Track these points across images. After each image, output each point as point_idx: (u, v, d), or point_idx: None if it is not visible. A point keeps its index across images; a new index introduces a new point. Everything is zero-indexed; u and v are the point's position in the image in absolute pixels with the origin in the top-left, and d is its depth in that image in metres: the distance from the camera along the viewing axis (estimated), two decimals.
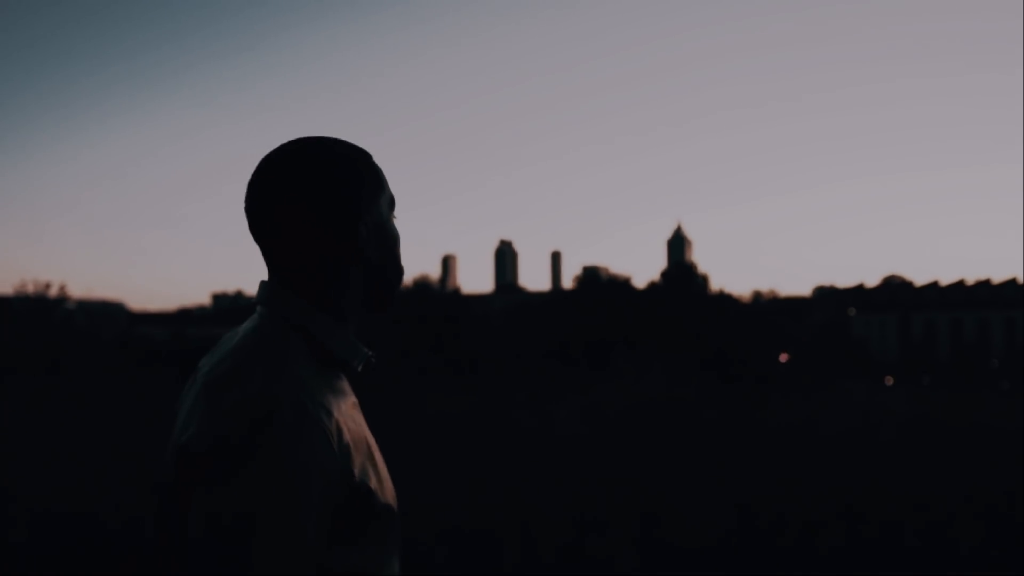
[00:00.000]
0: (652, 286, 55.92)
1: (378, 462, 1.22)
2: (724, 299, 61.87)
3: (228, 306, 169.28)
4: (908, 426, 8.76)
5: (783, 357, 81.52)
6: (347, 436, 1.14)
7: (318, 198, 1.23)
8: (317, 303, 1.25)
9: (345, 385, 1.26)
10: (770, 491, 5.45)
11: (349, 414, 1.20)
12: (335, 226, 1.24)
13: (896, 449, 7.38)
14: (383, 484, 1.20)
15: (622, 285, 54.61)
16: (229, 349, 1.21)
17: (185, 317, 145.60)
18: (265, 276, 1.31)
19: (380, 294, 1.33)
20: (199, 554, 1.02)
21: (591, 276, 62.06)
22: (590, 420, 9.13)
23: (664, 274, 57.35)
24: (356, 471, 1.13)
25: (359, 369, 1.28)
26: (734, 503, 5.03)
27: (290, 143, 1.29)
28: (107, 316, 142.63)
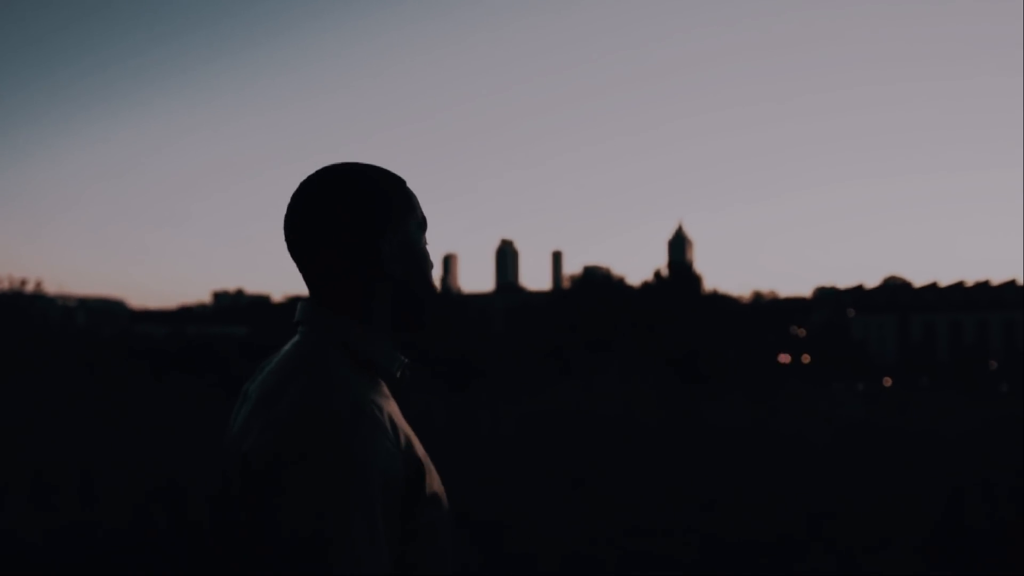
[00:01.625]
0: (644, 286, 55.83)
1: (426, 459, 1.27)
2: (716, 299, 61.71)
3: (229, 304, 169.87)
4: (849, 431, 8.66)
5: (783, 358, 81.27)
6: (400, 433, 1.20)
7: (343, 217, 1.30)
8: (352, 317, 1.32)
9: (386, 391, 1.31)
10: (651, 499, 5.40)
11: (395, 415, 1.26)
12: (359, 243, 1.30)
13: (818, 455, 7.30)
14: (434, 479, 1.26)
15: (614, 285, 54.52)
16: (275, 365, 1.28)
17: (186, 315, 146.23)
18: (284, 292, 1.35)
19: (410, 312, 1.37)
20: (278, 558, 1.06)
21: (584, 276, 61.97)
22: (525, 422, 9.10)
23: (657, 274, 57.26)
24: (411, 466, 1.19)
25: (397, 375, 1.33)
26: (586, 511, 5.00)
27: (322, 169, 1.37)
28: (108, 314, 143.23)
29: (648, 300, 46.08)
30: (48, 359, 18.82)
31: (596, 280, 58.48)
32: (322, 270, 1.33)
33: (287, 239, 1.35)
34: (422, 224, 1.42)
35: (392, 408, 1.27)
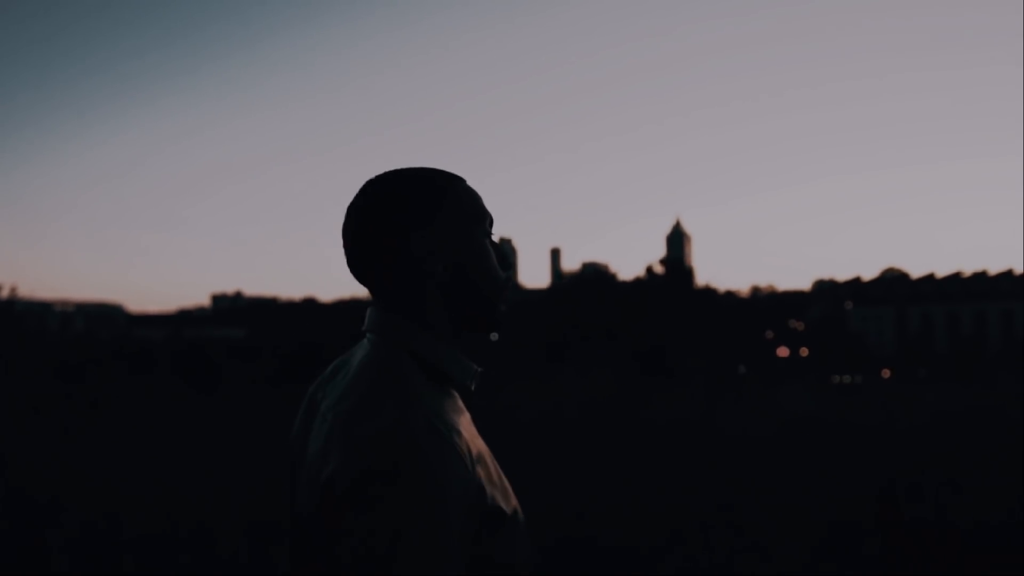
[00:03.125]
0: (636, 282, 55.65)
1: (500, 474, 1.27)
2: (707, 294, 61.56)
3: (227, 307, 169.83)
4: (793, 425, 8.46)
5: (781, 351, 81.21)
6: (475, 452, 1.19)
7: (378, 221, 1.29)
8: (417, 323, 1.30)
9: (459, 401, 1.30)
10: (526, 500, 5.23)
11: (470, 431, 1.25)
12: (391, 244, 1.29)
13: (751, 449, 7.11)
14: (508, 493, 1.25)
15: (607, 282, 54.38)
16: (350, 382, 1.25)
17: (184, 318, 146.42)
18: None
19: (468, 310, 1.33)
20: None
21: (576, 274, 61.77)
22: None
23: (649, 269, 57.02)
24: (486, 485, 1.18)
25: (472, 387, 1.32)
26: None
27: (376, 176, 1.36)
28: (105, 318, 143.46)
29: (637, 296, 45.90)
30: (14, 363, 18.79)
31: (586, 277, 58.36)
32: (372, 277, 1.32)
33: (346, 257, 1.35)
34: (478, 219, 1.36)
35: (466, 423, 1.26)
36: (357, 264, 1.33)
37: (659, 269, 54.46)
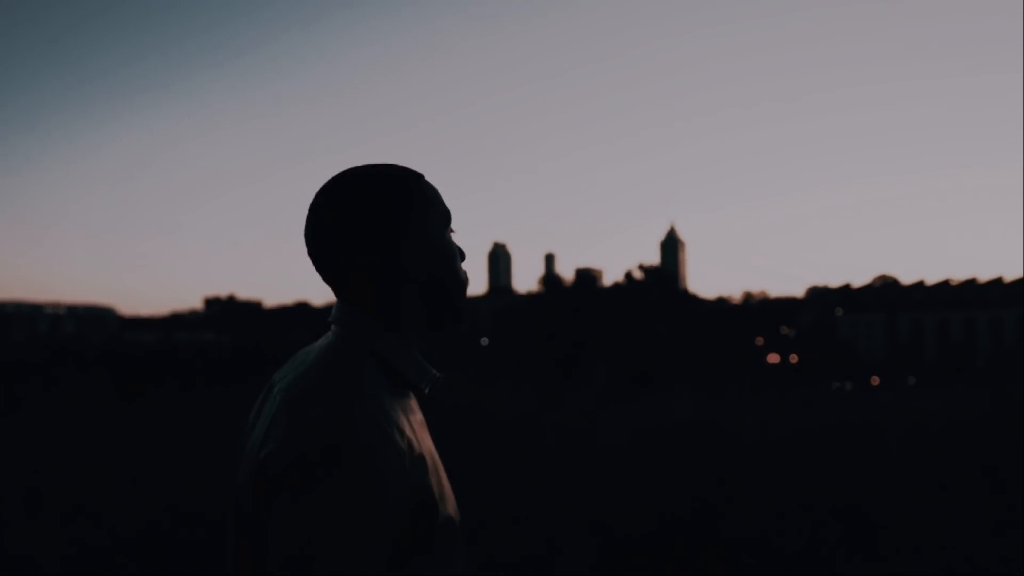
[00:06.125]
0: (614, 287, 55.61)
1: (443, 478, 1.29)
2: (687, 300, 61.52)
3: (220, 310, 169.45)
4: (655, 432, 8.29)
5: (772, 358, 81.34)
6: (417, 453, 1.21)
7: (361, 222, 1.29)
8: (384, 323, 1.31)
9: (414, 404, 1.32)
10: None
11: (418, 432, 1.27)
12: (379, 248, 1.29)
13: (597, 457, 6.98)
14: (447, 498, 1.27)
15: (586, 288, 54.38)
16: (306, 368, 1.27)
17: (176, 321, 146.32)
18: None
19: (438, 309, 1.36)
20: (279, 562, 1.09)
21: (551, 279, 61.79)
22: None
23: (628, 276, 56.96)
24: (424, 486, 1.20)
25: (427, 391, 1.34)
26: None
27: (337, 174, 1.35)
28: (97, 321, 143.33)
29: (614, 303, 45.85)
30: None
31: (563, 284, 58.28)
32: (346, 279, 1.31)
33: (308, 251, 1.34)
34: (445, 217, 1.39)
35: (417, 424, 1.28)
36: (332, 266, 1.32)
37: (639, 275, 54.54)
